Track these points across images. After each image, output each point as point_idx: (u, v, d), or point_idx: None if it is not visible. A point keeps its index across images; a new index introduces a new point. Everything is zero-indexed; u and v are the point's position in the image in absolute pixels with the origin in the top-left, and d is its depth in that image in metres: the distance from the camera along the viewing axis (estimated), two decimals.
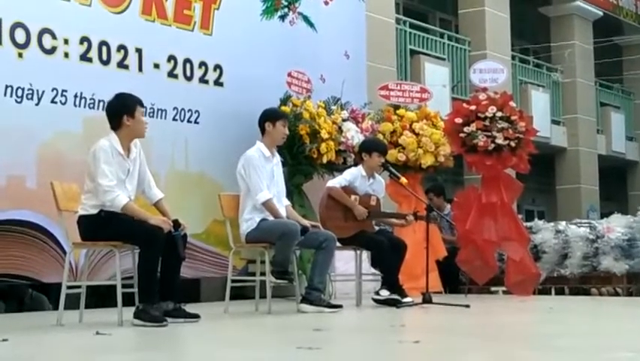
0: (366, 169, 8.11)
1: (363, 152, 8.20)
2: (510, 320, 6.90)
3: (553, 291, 10.89)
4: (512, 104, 9.22)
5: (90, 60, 7.93)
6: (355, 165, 8.47)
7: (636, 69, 22.40)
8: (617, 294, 10.64)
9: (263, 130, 7.48)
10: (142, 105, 6.36)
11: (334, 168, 9.23)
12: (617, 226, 10.88)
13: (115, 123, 6.25)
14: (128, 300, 6.16)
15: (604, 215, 13.79)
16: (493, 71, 10.01)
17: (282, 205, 7.49)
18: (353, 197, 7.95)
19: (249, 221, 7.27)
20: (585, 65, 20.37)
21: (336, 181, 8.05)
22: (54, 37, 7.67)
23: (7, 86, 7.32)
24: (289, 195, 7.82)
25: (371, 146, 8.27)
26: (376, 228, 8.20)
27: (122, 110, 6.24)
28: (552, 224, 11.39)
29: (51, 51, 7.66)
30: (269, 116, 7.50)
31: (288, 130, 7.69)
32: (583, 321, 6.92)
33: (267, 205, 7.24)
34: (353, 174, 8.08)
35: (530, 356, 4.41)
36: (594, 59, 20.76)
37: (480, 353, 4.55)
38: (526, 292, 9.36)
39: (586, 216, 17.93)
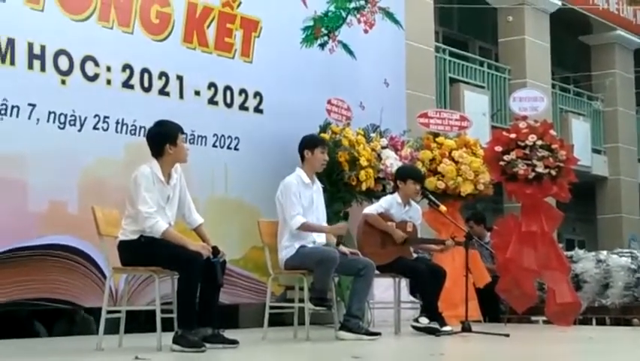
0: (402, 196, 8.09)
1: (398, 179, 8.19)
2: (550, 350, 6.84)
3: (594, 321, 10.77)
4: (553, 132, 9.17)
5: (132, 87, 8.03)
6: (393, 192, 8.47)
7: None
8: None
9: (302, 157, 7.52)
10: (183, 132, 6.42)
11: (373, 195, 9.22)
12: None
13: (157, 151, 6.29)
14: (167, 325, 6.18)
15: None
16: (533, 100, 9.99)
17: None
18: (389, 224, 7.94)
19: (288, 248, 7.28)
20: (626, 93, 20.22)
21: (373, 208, 8.05)
22: (96, 64, 7.78)
23: (50, 112, 7.43)
24: (328, 223, 7.81)
25: (405, 173, 8.26)
26: (414, 255, 8.17)
27: (164, 140, 6.28)
28: (593, 253, 11.28)
29: (94, 78, 7.76)
30: (307, 144, 7.53)
31: (327, 157, 7.70)
32: (623, 351, 6.83)
33: (304, 228, 7.23)
34: (389, 202, 8.07)
35: None
36: (635, 87, 20.62)
37: None
38: (566, 322, 9.25)
39: (627, 245, 17.72)
